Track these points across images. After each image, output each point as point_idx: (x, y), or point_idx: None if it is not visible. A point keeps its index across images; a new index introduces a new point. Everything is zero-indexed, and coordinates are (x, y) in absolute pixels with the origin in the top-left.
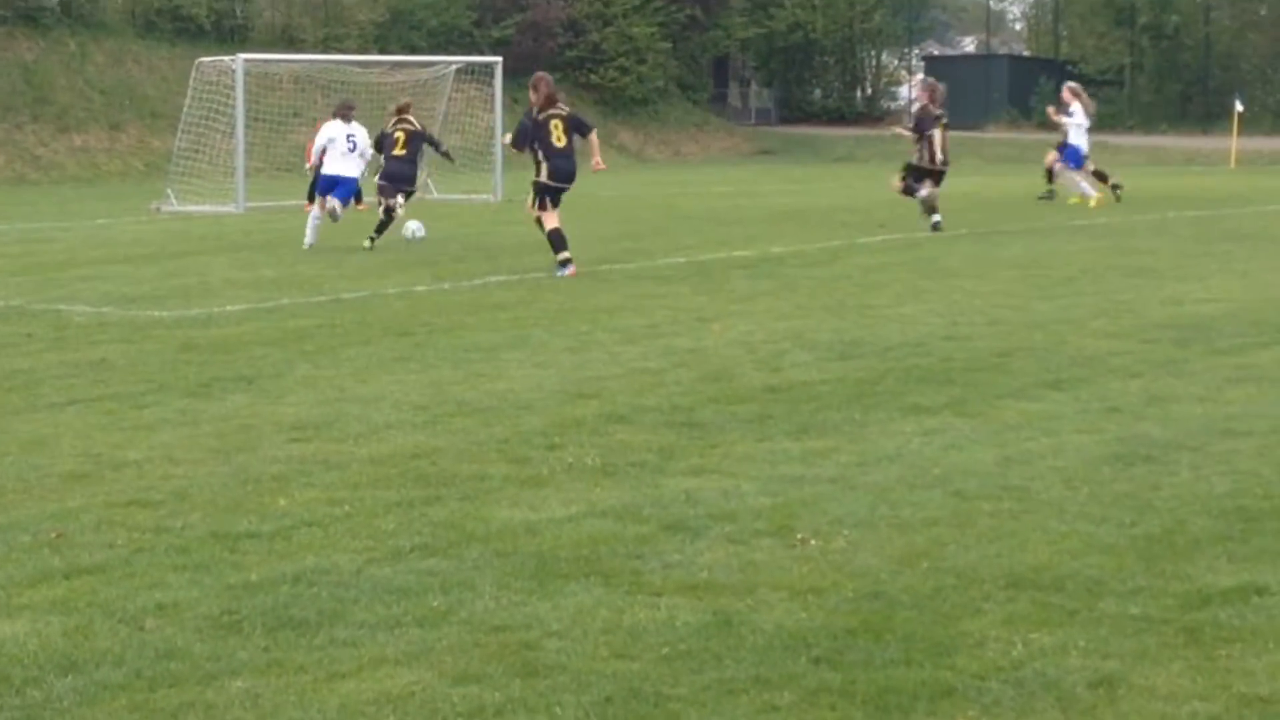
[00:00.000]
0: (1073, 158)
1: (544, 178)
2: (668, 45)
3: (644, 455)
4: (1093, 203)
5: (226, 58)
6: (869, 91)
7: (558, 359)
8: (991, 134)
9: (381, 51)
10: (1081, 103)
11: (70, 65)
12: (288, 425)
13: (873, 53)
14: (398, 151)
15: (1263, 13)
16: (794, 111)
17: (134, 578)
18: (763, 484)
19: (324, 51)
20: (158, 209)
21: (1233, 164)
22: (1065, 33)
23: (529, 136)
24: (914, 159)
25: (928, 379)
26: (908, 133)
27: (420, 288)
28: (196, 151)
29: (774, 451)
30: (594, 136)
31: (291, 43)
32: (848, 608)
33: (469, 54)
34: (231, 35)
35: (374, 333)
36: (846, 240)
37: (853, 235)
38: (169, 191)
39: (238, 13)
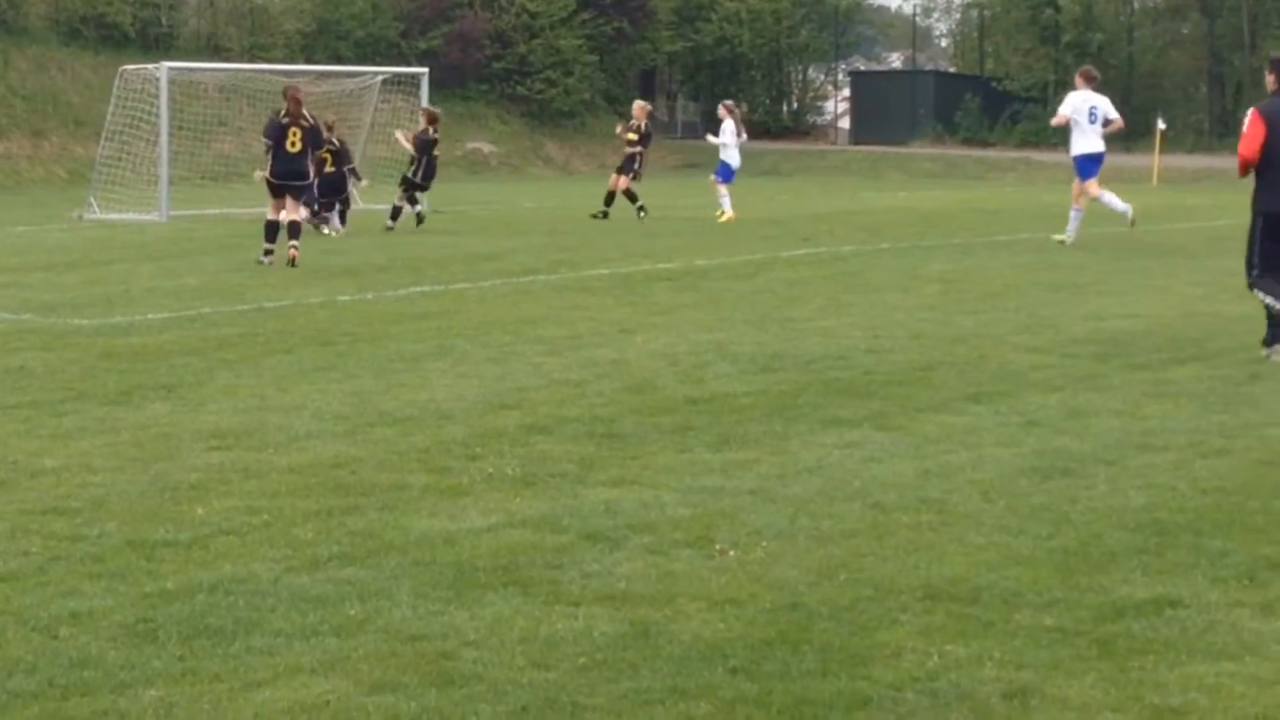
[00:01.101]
0: (723, 173)
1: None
2: (595, 58)
3: (564, 466)
4: (727, 219)
5: (151, 66)
6: (795, 106)
7: (480, 369)
8: (916, 149)
9: (308, 61)
10: (734, 120)
11: None
12: (207, 434)
13: (800, 67)
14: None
15: (1185, 31)
16: (719, 124)
17: (48, 586)
18: (683, 495)
19: (250, 61)
20: (80, 217)
21: (1154, 181)
22: (990, 49)
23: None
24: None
25: (849, 392)
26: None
27: (344, 297)
28: (120, 159)
29: (694, 463)
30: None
31: (217, 51)
32: (765, 619)
33: (395, 65)
34: (156, 43)
35: (296, 341)
36: (770, 254)
37: (776, 249)
38: (92, 199)
39: (163, 21)
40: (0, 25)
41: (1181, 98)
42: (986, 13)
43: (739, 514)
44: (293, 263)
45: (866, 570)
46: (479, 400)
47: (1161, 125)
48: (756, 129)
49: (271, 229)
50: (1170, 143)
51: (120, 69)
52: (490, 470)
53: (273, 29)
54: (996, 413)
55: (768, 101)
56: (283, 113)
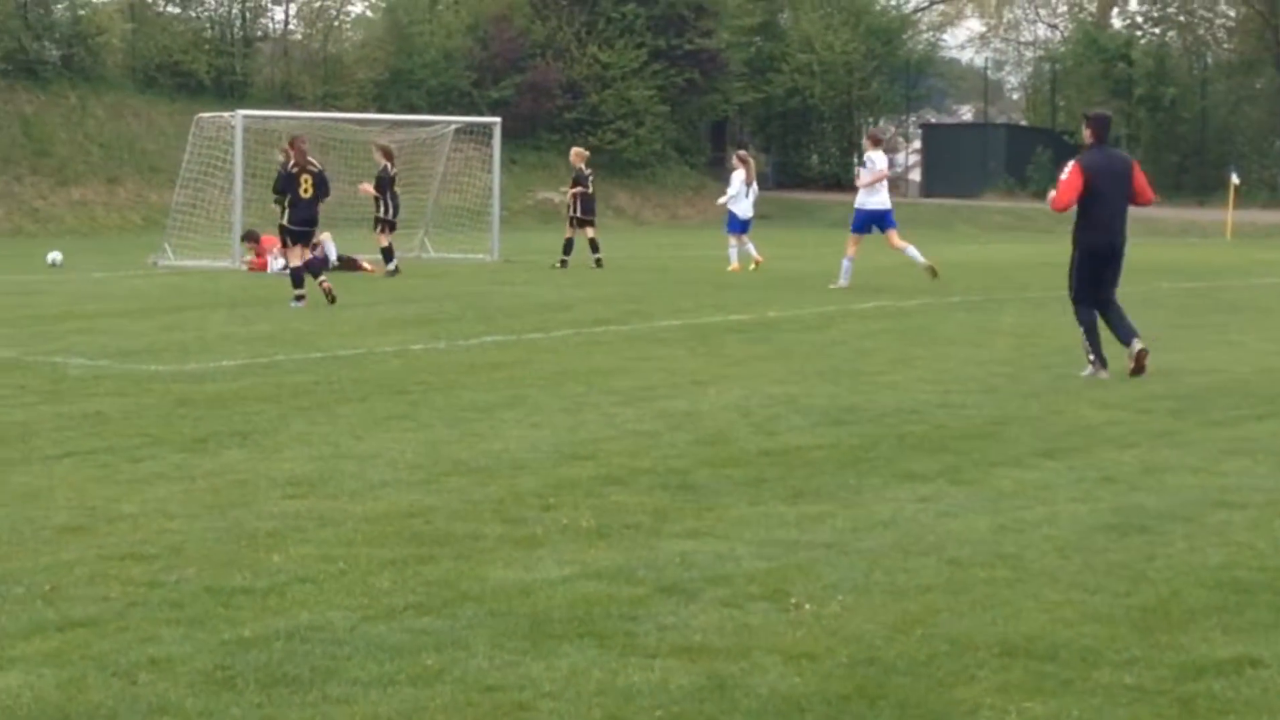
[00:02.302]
0: (731, 225)
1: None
2: (666, 109)
3: (639, 517)
4: (733, 269)
5: (226, 113)
6: None
7: (553, 420)
8: (988, 202)
9: (380, 110)
10: (746, 170)
11: (70, 118)
12: (283, 481)
13: (870, 119)
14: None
15: (1258, 86)
16: (790, 177)
17: (127, 631)
18: (757, 548)
19: (323, 109)
20: (155, 263)
21: (1228, 236)
22: (1062, 103)
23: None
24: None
25: (922, 446)
26: None
27: (416, 346)
28: (194, 206)
29: (769, 515)
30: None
31: (291, 100)
32: (842, 673)
33: (468, 114)
34: (231, 91)
35: (370, 390)
36: (841, 306)
37: (847, 301)
38: (166, 246)
39: (237, 69)
40: (78, 73)
41: (1254, 152)
42: (1058, 66)
43: (814, 567)
44: (331, 296)
45: (943, 625)
46: (553, 451)
47: (1235, 180)
48: (827, 181)
49: (299, 275)
50: (1243, 197)
51: (196, 117)
52: (565, 521)
53: (346, 78)
54: (1071, 468)
55: (838, 153)
56: (290, 163)
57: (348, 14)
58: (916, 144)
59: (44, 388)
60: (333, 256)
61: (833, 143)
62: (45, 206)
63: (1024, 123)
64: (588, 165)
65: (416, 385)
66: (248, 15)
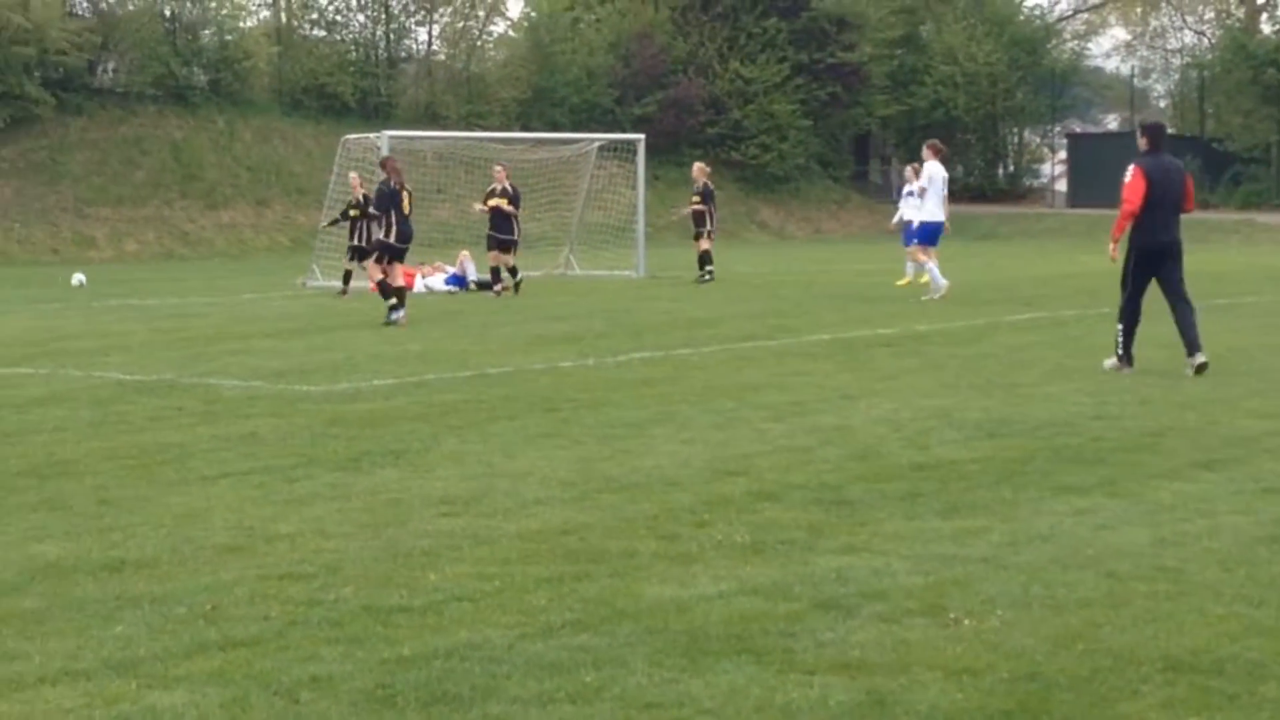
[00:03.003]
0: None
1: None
2: (809, 123)
3: (793, 533)
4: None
5: (372, 134)
6: (1011, 169)
7: (704, 435)
8: None
9: (524, 128)
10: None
11: (218, 143)
12: (437, 500)
13: (1015, 130)
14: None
15: None
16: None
17: (288, 650)
18: (914, 562)
19: (467, 128)
20: (303, 284)
21: None
22: (1211, 110)
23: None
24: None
25: (1078, 458)
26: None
27: (565, 363)
28: (342, 227)
29: (924, 530)
30: None
31: (435, 120)
32: (1003, 689)
33: (611, 131)
34: (376, 112)
35: (520, 408)
36: (991, 318)
37: (998, 313)
38: (314, 266)
39: (382, 91)
40: (226, 98)
41: None
42: (1206, 73)
43: (971, 582)
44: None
45: (1104, 640)
46: (705, 467)
47: None
48: (973, 192)
49: (402, 292)
50: None
51: (343, 138)
52: (719, 537)
53: (489, 97)
54: (1231, 480)
55: (983, 165)
56: (391, 181)
57: (490, 34)
58: (1062, 154)
59: (199, 409)
60: (472, 275)
61: (977, 154)
62: (195, 230)
63: (1172, 131)
64: (710, 180)
65: (566, 402)
66: (391, 37)
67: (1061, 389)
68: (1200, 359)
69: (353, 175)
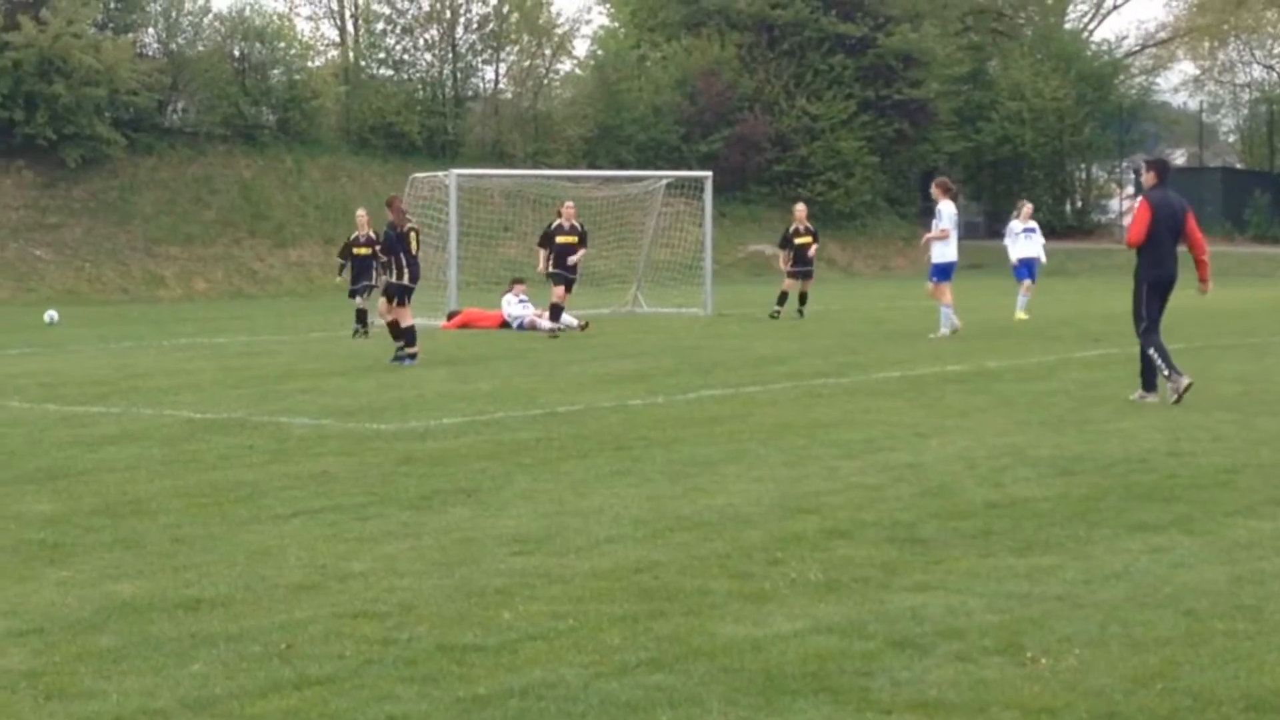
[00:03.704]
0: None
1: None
2: (875, 159)
3: (867, 571)
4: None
5: (440, 173)
6: (1079, 204)
7: (775, 473)
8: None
9: (590, 166)
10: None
11: (286, 181)
12: (509, 538)
13: (1082, 166)
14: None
15: None
16: (1003, 225)
17: (363, 689)
18: (989, 601)
19: (533, 166)
20: (373, 322)
21: None
22: None
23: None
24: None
25: (1152, 496)
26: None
27: (635, 401)
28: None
29: (998, 568)
30: None
31: (501, 158)
32: None
33: (677, 168)
34: (443, 151)
35: (591, 446)
36: (1062, 355)
37: (1068, 349)
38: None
39: (449, 129)
40: (294, 137)
41: None
42: (1276, 108)
43: (1048, 620)
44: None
45: (1184, 679)
46: (776, 504)
47: None
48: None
49: (412, 331)
50: None
51: (410, 176)
52: (793, 575)
53: (555, 135)
54: None
55: (1050, 201)
56: (396, 223)
57: (556, 72)
58: (1130, 190)
59: (271, 447)
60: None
61: (1044, 190)
62: (264, 268)
63: (1240, 166)
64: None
65: (637, 440)
66: (458, 76)
67: (1134, 425)
68: (1150, 397)
69: (360, 212)
